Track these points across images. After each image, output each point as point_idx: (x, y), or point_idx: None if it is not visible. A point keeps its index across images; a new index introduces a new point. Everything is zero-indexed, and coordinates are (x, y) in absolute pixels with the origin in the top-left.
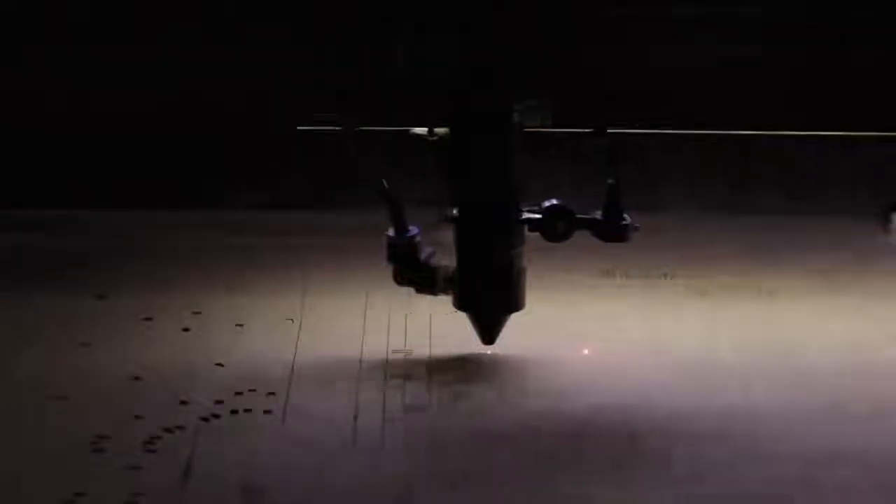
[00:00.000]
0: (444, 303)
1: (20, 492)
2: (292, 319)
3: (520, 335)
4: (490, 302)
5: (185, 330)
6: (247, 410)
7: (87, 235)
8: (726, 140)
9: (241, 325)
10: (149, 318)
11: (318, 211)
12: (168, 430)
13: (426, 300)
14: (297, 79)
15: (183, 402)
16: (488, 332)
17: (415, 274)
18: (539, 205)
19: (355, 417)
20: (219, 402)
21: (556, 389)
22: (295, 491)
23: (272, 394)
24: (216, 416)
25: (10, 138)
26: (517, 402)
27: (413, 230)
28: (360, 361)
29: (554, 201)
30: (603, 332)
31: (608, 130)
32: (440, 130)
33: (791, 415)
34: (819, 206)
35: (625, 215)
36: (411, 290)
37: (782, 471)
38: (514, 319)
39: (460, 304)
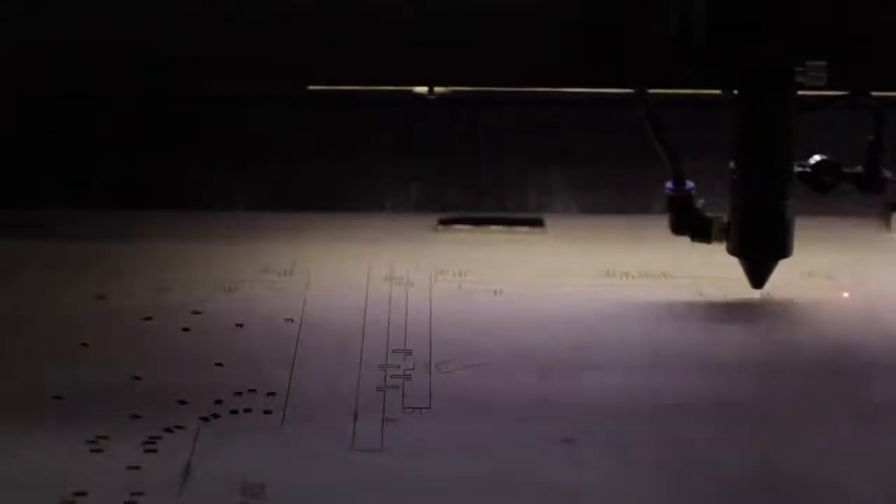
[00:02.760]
0: (444, 302)
1: (20, 492)
2: (292, 319)
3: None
4: (762, 248)
5: (185, 330)
6: (247, 410)
7: (87, 235)
8: None
9: (241, 325)
10: (149, 318)
11: (318, 210)
12: (168, 430)
13: (426, 300)
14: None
15: (183, 402)
16: (759, 277)
17: (692, 223)
18: (808, 159)
19: (355, 417)
20: (219, 402)
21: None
22: (294, 491)
23: (272, 394)
24: (216, 416)
25: (10, 138)
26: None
27: (689, 183)
28: (360, 361)
29: (822, 156)
30: None
31: (873, 93)
32: (440, 90)
33: None
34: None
35: (885, 170)
36: (410, 290)
37: None
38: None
39: (736, 251)
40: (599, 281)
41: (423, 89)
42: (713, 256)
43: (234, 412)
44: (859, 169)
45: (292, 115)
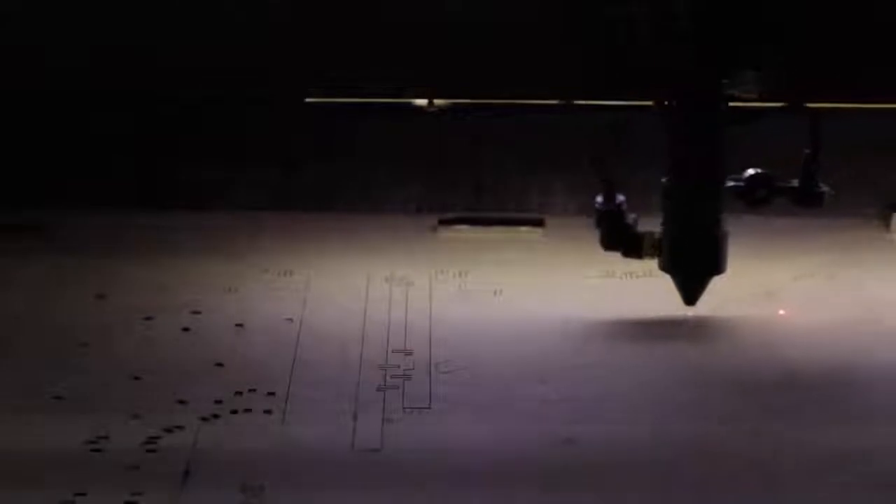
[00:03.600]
0: (444, 303)
1: (20, 492)
2: (292, 319)
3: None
4: (694, 264)
5: (185, 330)
6: (247, 410)
7: (87, 235)
8: None
9: (241, 325)
10: (149, 318)
11: (318, 211)
12: (168, 430)
13: (425, 301)
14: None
15: (183, 402)
16: (691, 294)
17: (622, 239)
18: (741, 173)
19: (355, 417)
20: (219, 402)
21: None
22: (294, 491)
23: (272, 394)
24: (216, 416)
25: (10, 138)
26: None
27: (619, 197)
28: (360, 361)
29: (756, 170)
30: None
31: (806, 105)
32: (439, 102)
33: None
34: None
35: (820, 184)
36: (410, 290)
37: None
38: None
39: (666, 267)
40: (600, 281)
41: (422, 101)
42: None
43: (234, 412)
44: (795, 182)
45: (292, 115)
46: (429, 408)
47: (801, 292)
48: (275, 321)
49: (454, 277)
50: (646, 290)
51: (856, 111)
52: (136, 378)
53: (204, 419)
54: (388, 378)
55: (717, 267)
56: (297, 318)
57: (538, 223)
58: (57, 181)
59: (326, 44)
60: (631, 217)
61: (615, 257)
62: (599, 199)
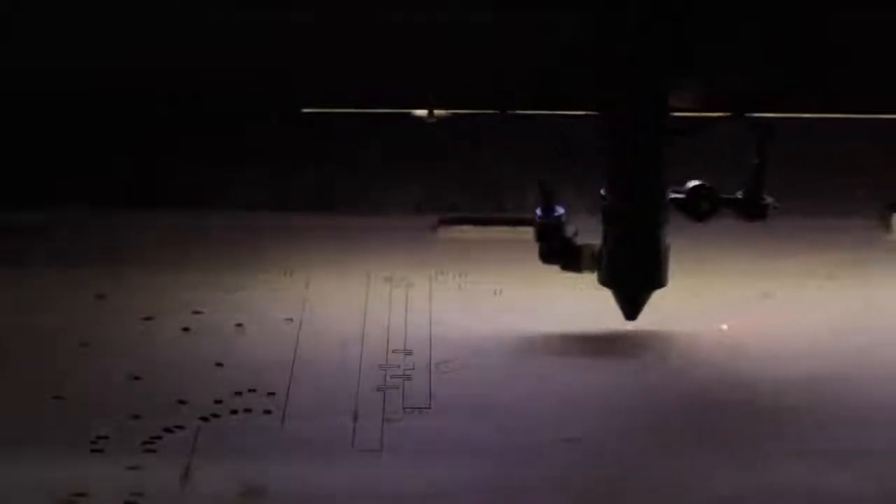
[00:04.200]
0: (444, 303)
1: (20, 492)
2: (292, 319)
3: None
4: (635, 279)
5: (185, 330)
6: (247, 410)
7: (87, 235)
8: None
9: (240, 325)
10: (149, 318)
11: (318, 211)
12: (168, 430)
13: (426, 301)
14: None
15: (183, 402)
16: (632, 309)
17: (561, 252)
18: (683, 185)
19: (355, 417)
20: (219, 402)
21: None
22: (294, 491)
23: (272, 394)
24: (216, 416)
25: (10, 138)
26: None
27: (559, 210)
28: (360, 361)
29: (698, 182)
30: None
31: (756, 115)
32: (440, 113)
33: None
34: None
35: (765, 195)
36: (410, 291)
37: None
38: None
39: (605, 281)
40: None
41: (422, 112)
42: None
43: (234, 412)
44: (739, 195)
45: (293, 115)
46: (429, 408)
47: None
48: (275, 321)
49: (454, 277)
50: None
51: (810, 121)
52: (136, 378)
53: (204, 419)
54: (388, 378)
55: (658, 281)
56: (297, 318)
57: None
58: (57, 181)
59: (325, 55)
60: (570, 230)
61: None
62: (538, 211)
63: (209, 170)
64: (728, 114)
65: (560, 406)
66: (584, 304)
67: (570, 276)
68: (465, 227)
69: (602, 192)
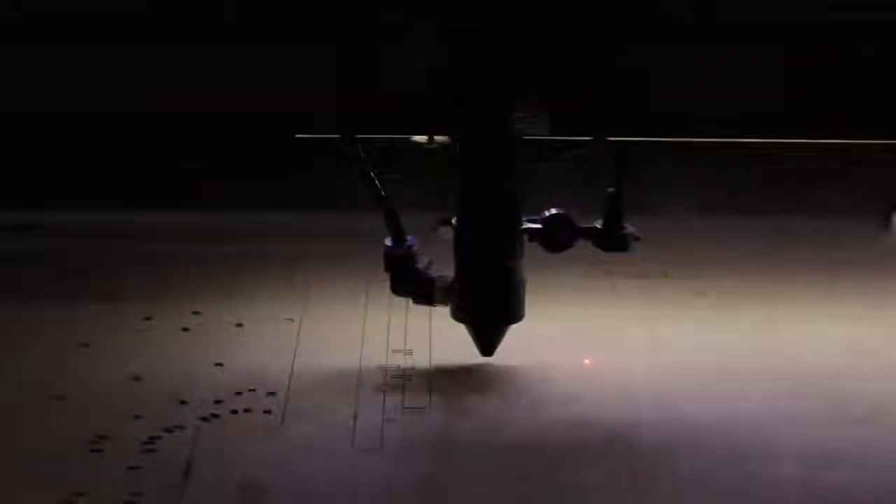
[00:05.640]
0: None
1: (20, 492)
2: (292, 319)
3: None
4: (489, 313)
5: (185, 330)
6: (247, 410)
7: (87, 235)
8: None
9: (241, 325)
10: (149, 318)
11: (319, 211)
12: (168, 430)
13: None
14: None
15: (183, 402)
16: (488, 344)
17: (412, 284)
18: (540, 214)
19: (355, 417)
20: (219, 402)
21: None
22: (294, 491)
23: (272, 394)
24: (216, 416)
25: (10, 138)
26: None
27: (410, 239)
28: (360, 362)
29: (554, 210)
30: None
31: (612, 138)
32: (440, 138)
33: (790, 418)
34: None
35: (625, 224)
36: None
37: (782, 472)
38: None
39: (459, 315)
40: (599, 280)
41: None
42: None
43: (234, 412)
44: (597, 224)
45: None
46: (429, 408)
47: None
48: (275, 321)
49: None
50: (645, 289)
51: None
52: (136, 378)
53: (204, 419)
54: (388, 378)
55: (512, 315)
56: (297, 318)
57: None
58: (57, 181)
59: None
60: (423, 261)
61: (616, 256)
62: (388, 241)
63: (209, 169)
64: (585, 138)
65: (560, 406)
66: (584, 303)
67: (571, 276)
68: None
69: (453, 221)
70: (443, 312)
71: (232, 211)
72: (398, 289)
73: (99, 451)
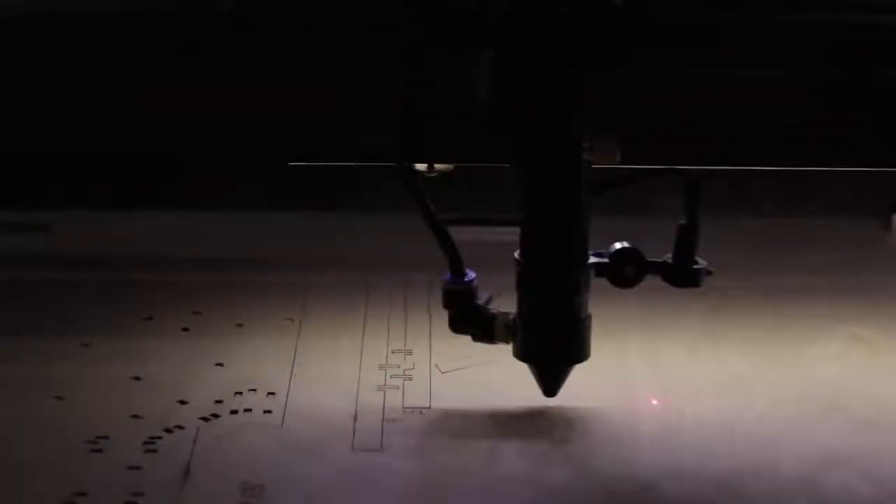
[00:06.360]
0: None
1: (20, 492)
2: (292, 319)
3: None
4: (554, 353)
5: (185, 330)
6: (247, 410)
7: (87, 235)
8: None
9: (241, 325)
10: (149, 318)
11: (319, 211)
12: (168, 430)
13: (425, 301)
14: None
15: (183, 402)
16: (551, 384)
17: (472, 321)
18: (607, 248)
19: (355, 417)
20: (219, 402)
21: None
22: (294, 491)
23: (272, 394)
24: (216, 416)
25: (10, 138)
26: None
27: (470, 274)
28: (360, 361)
29: (623, 244)
30: None
31: (683, 168)
32: (440, 166)
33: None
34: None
35: (697, 258)
36: (410, 290)
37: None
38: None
39: (521, 354)
40: (599, 280)
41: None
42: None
43: (234, 412)
44: (668, 258)
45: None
46: (429, 408)
47: None
48: (275, 321)
49: None
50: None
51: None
52: (136, 378)
53: (204, 419)
54: (388, 378)
55: (578, 354)
56: (297, 317)
57: None
58: (57, 181)
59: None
60: (484, 296)
61: None
62: (447, 275)
63: (208, 170)
64: (658, 167)
65: (559, 405)
66: None
67: None
68: (465, 227)
69: (516, 255)
70: (442, 312)
71: (232, 211)
72: (458, 325)
73: (99, 451)
